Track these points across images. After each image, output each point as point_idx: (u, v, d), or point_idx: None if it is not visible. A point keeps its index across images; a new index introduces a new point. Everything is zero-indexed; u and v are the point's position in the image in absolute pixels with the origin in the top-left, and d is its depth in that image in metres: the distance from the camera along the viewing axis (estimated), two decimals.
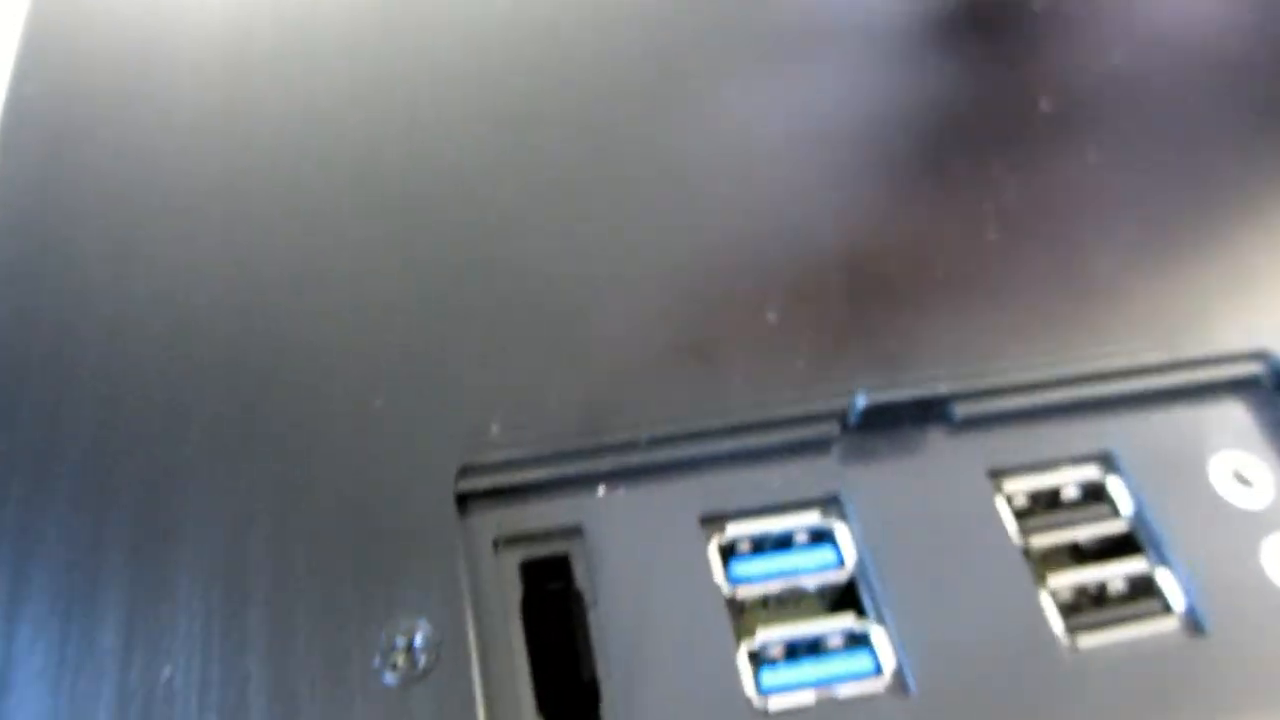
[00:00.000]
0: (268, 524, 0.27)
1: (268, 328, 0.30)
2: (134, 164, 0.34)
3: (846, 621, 0.28)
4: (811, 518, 0.30)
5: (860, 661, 0.28)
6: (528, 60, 0.39)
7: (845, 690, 0.27)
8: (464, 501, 0.28)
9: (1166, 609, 0.29)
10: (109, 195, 0.33)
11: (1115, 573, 0.30)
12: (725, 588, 0.28)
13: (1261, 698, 0.27)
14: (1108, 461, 0.32)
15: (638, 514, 0.29)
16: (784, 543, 0.30)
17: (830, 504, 0.30)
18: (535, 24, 0.40)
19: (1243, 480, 0.32)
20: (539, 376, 0.30)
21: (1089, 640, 0.28)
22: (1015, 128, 0.37)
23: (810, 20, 0.41)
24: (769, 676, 0.27)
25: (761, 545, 0.30)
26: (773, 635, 0.28)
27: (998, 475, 0.31)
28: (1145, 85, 0.39)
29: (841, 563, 0.29)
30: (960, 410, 0.31)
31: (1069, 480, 0.31)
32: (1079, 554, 0.32)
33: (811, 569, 0.29)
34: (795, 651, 0.28)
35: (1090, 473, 0.31)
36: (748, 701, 0.26)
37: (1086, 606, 0.30)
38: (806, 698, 0.27)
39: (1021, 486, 0.31)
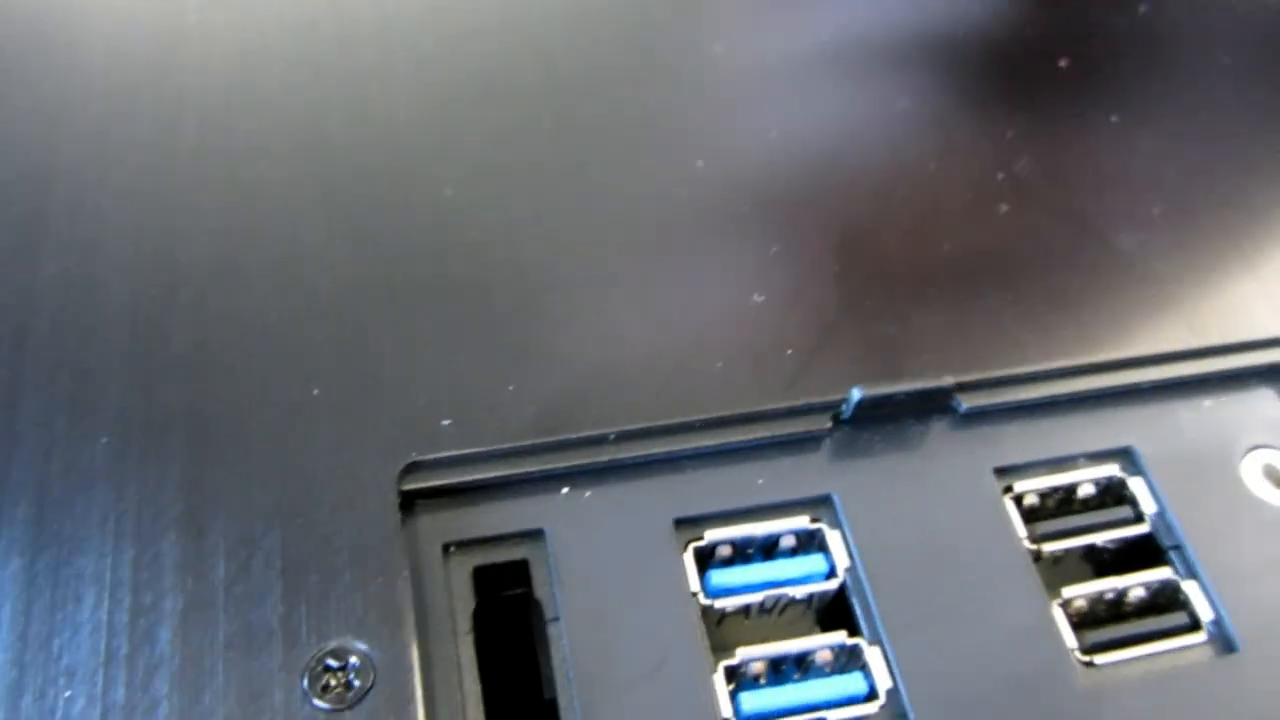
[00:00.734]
0: (181, 529, 0.24)
1: (188, 306, 0.27)
2: (47, 130, 0.31)
3: (837, 638, 0.25)
4: (799, 521, 0.27)
5: (852, 683, 0.25)
6: (486, 34, 0.36)
7: (835, 716, 0.24)
8: (410, 502, 0.26)
9: (1193, 624, 0.26)
10: (20, 172, 0.30)
11: (1135, 582, 0.27)
12: (702, 599, 0.25)
13: None
14: (1127, 458, 0.29)
15: (605, 517, 0.26)
16: (768, 549, 0.27)
17: (820, 506, 0.27)
18: None
19: (1277, 478, 0.29)
20: (497, 366, 0.27)
21: (1106, 659, 0.26)
22: (1030, 89, 0.34)
23: None
24: (749, 699, 0.24)
25: (743, 552, 0.27)
26: (754, 653, 0.25)
27: (1006, 474, 0.28)
28: (1173, 47, 0.36)
29: (832, 572, 0.26)
30: (965, 402, 0.28)
31: (1084, 479, 0.28)
32: (1094, 561, 0.29)
33: (798, 579, 0.26)
34: (779, 671, 0.26)
35: (1108, 471, 0.28)
36: None
37: (1103, 620, 0.27)
38: None
39: (1032, 486, 0.28)
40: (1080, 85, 0.34)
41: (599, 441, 0.27)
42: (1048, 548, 0.27)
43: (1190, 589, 0.27)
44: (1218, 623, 0.26)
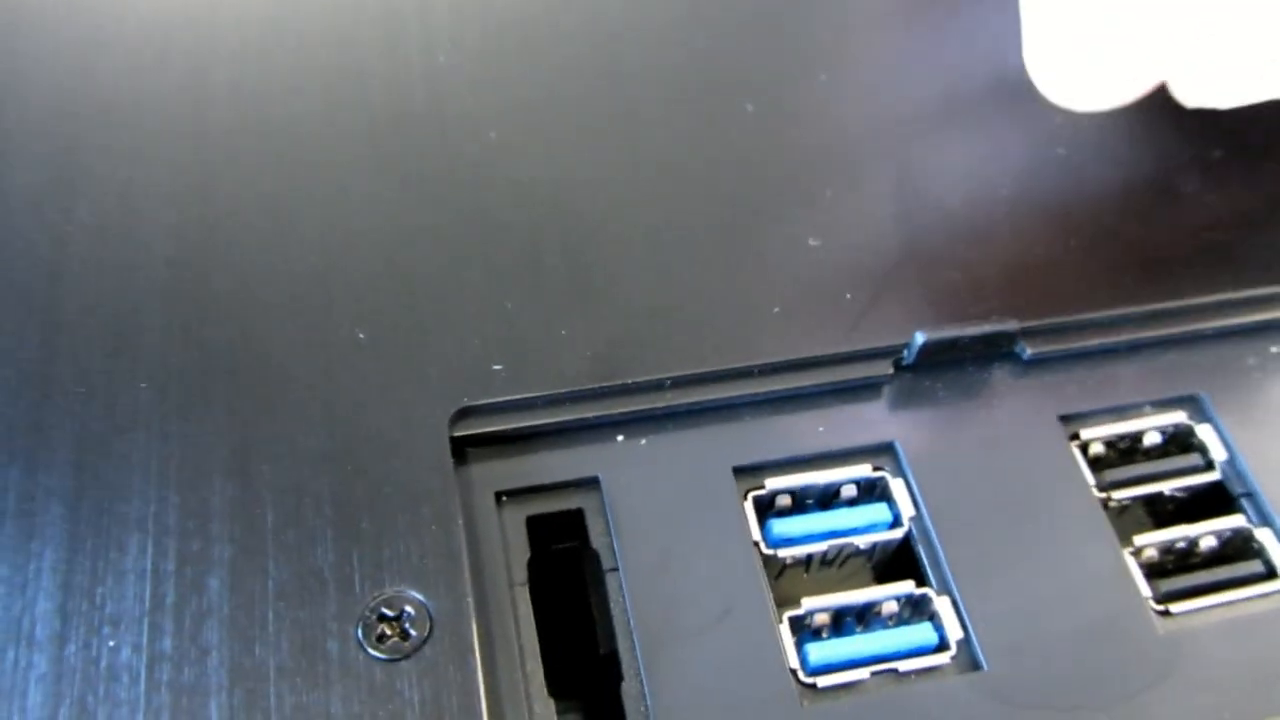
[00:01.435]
0: (231, 476, 0.23)
1: (229, 247, 0.26)
2: (81, 68, 0.30)
3: (905, 588, 0.24)
4: (861, 469, 0.26)
5: (922, 633, 0.24)
6: None
7: (905, 666, 0.23)
8: (462, 449, 0.25)
9: (1269, 572, 0.26)
10: (52, 110, 0.29)
11: (1207, 531, 0.26)
12: (763, 548, 0.25)
13: None
14: (1194, 405, 0.28)
15: (661, 464, 0.25)
16: (830, 498, 0.26)
17: (882, 454, 0.26)
18: None
19: None
20: (549, 310, 0.26)
21: (1181, 608, 0.25)
22: None
23: None
24: (816, 650, 0.23)
25: (804, 501, 0.26)
26: (819, 603, 0.24)
27: (1071, 421, 0.27)
28: None
29: (897, 521, 0.26)
30: (1029, 348, 0.27)
31: (1150, 426, 0.27)
32: (1157, 511, 0.28)
33: (862, 528, 0.25)
34: (842, 624, 0.25)
35: (1175, 418, 0.27)
36: (793, 678, 0.23)
37: (1172, 570, 0.26)
38: (860, 674, 0.23)
39: (1097, 434, 0.27)
40: None
41: (655, 387, 0.26)
42: (1116, 495, 0.26)
43: (1264, 536, 0.26)
44: None
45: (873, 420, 0.26)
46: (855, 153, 0.30)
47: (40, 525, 0.22)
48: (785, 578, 0.26)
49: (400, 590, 0.22)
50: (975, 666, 0.23)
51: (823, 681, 0.23)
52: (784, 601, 0.24)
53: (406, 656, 0.21)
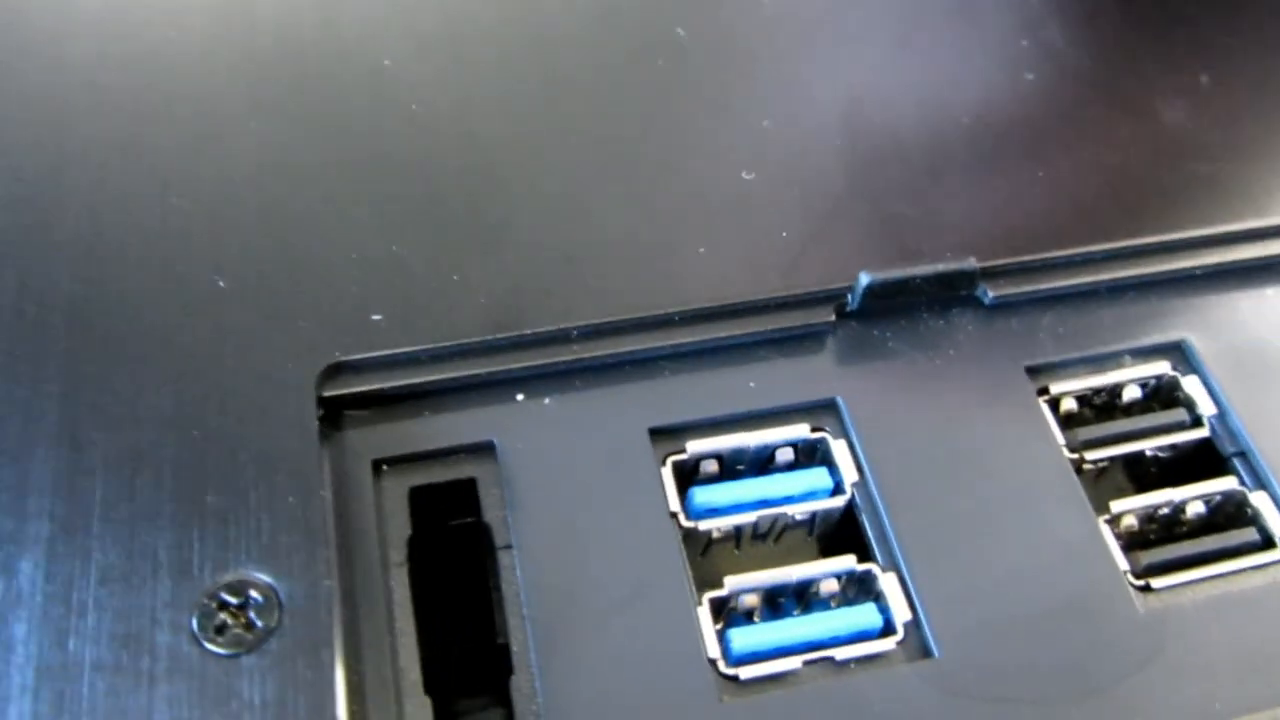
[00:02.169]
0: (57, 443, 0.20)
1: (78, 186, 0.23)
2: None
3: (844, 563, 0.21)
4: (798, 430, 0.23)
5: (863, 616, 0.21)
6: None
7: (844, 654, 0.20)
8: (336, 412, 0.21)
9: (1265, 541, 0.22)
10: None
11: (1193, 495, 0.23)
12: (683, 520, 0.21)
13: None
14: (1180, 355, 0.25)
15: (567, 428, 0.22)
16: (761, 465, 0.23)
17: (823, 412, 0.23)
18: None
19: None
20: (442, 253, 0.23)
21: (1164, 582, 0.22)
22: None
23: None
24: (740, 637, 0.20)
25: (732, 468, 0.23)
26: (745, 582, 0.21)
27: (1040, 373, 0.24)
28: None
29: (838, 488, 0.22)
30: (991, 291, 0.24)
31: (1130, 379, 0.24)
32: (1140, 476, 0.25)
33: (798, 496, 0.22)
34: (777, 607, 0.22)
35: (1158, 369, 0.24)
36: (712, 669, 0.20)
37: (1156, 541, 0.23)
38: (791, 664, 0.20)
39: (1070, 387, 0.24)
40: None
41: (560, 339, 0.22)
42: (1090, 456, 0.23)
43: (1260, 501, 0.23)
44: None
45: (812, 374, 0.23)
46: (798, 78, 0.27)
47: None
48: (712, 555, 0.23)
49: (247, 574, 0.19)
50: (925, 653, 0.20)
51: (747, 673, 0.20)
52: (708, 583, 0.21)
53: (249, 650, 0.18)
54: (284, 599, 0.19)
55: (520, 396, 0.22)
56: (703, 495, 0.22)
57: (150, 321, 0.22)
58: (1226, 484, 0.23)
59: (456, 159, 0.25)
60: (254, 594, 0.19)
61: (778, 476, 0.22)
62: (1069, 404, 0.24)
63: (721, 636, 0.20)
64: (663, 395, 0.23)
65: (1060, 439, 0.23)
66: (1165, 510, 0.23)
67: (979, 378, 0.24)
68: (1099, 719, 0.19)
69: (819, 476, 0.22)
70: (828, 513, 0.22)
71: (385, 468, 0.22)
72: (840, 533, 0.23)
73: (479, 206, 0.24)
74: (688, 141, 0.26)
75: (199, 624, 0.18)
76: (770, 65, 0.27)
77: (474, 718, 0.20)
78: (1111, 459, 0.24)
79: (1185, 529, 0.23)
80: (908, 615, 0.21)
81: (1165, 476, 0.24)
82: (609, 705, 0.19)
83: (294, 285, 0.22)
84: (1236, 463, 0.23)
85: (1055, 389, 0.24)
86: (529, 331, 0.22)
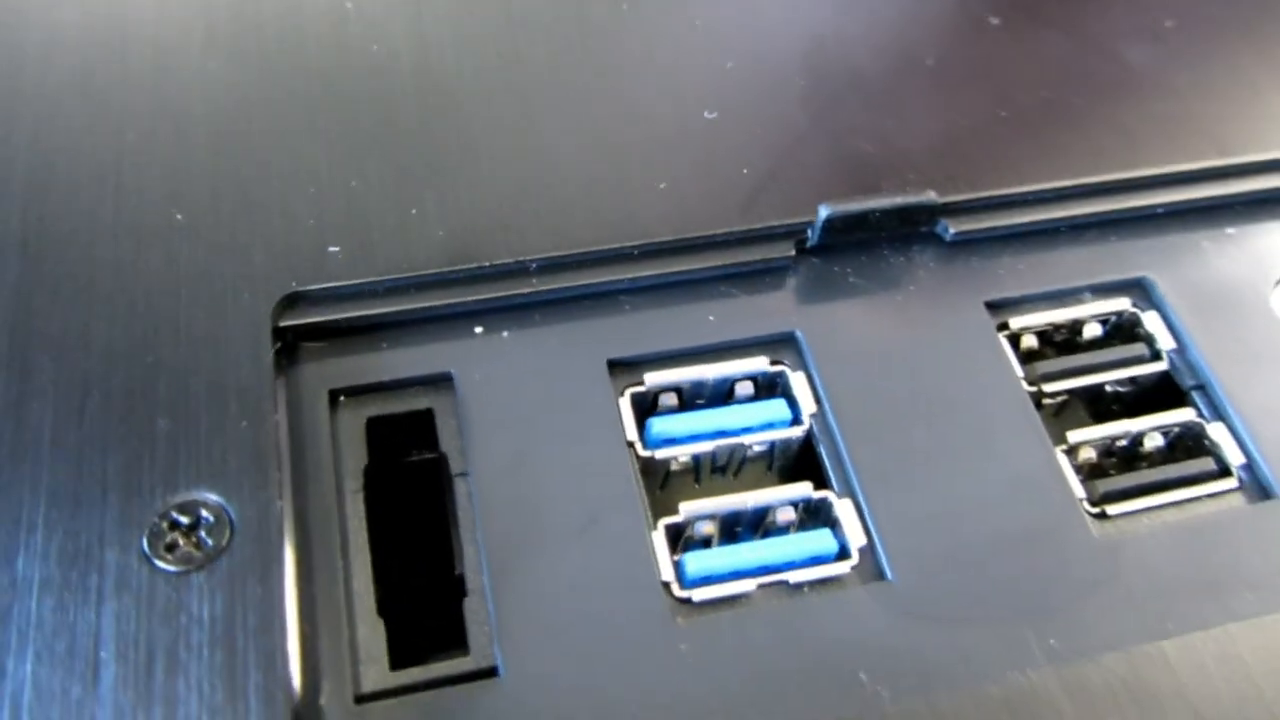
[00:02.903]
0: (6, 368, 0.20)
1: (33, 119, 0.23)
2: None
3: (800, 490, 0.21)
4: (757, 363, 0.23)
5: (818, 541, 0.21)
6: None
7: (798, 577, 0.20)
8: (292, 343, 0.21)
9: (1221, 470, 0.23)
10: None
11: (1152, 426, 0.23)
12: (640, 450, 0.21)
13: None
14: (1140, 291, 0.25)
15: (525, 360, 0.22)
16: (722, 398, 0.23)
17: (782, 346, 0.23)
18: None
19: None
20: (401, 185, 0.23)
21: (1120, 509, 0.22)
22: None
23: None
24: (694, 561, 0.20)
25: (694, 401, 0.23)
26: (700, 508, 0.21)
27: (1000, 309, 0.24)
28: None
29: (796, 419, 0.22)
30: (952, 227, 0.24)
31: (1090, 315, 0.24)
32: (1101, 411, 0.25)
33: (755, 426, 0.22)
34: (735, 535, 0.22)
35: (1118, 305, 0.24)
36: (665, 592, 0.20)
37: (1116, 470, 0.23)
38: (745, 586, 0.20)
39: (1030, 322, 0.24)
40: None
41: (519, 273, 0.22)
42: (1049, 388, 0.23)
43: (1217, 431, 0.23)
44: (1250, 467, 0.22)
45: (772, 309, 0.23)
46: (761, 19, 0.27)
47: None
48: (671, 489, 0.23)
49: (198, 495, 0.19)
50: (879, 576, 0.20)
51: (700, 595, 0.20)
52: (666, 514, 0.21)
53: (199, 568, 0.18)
54: (235, 519, 0.19)
55: (478, 329, 0.22)
56: (660, 425, 0.22)
57: (105, 255, 0.21)
58: (1184, 415, 0.23)
59: (415, 97, 0.25)
60: (205, 514, 0.19)
61: (736, 407, 0.22)
62: (1030, 340, 0.24)
63: (676, 561, 0.20)
64: (621, 329, 0.23)
65: (1019, 372, 0.23)
66: (1124, 442, 0.23)
67: (938, 313, 0.24)
68: (1051, 639, 0.19)
69: (777, 408, 0.22)
70: (786, 444, 0.22)
71: (342, 399, 0.21)
72: (799, 467, 0.23)
73: (437, 143, 0.24)
74: (650, 81, 0.26)
75: (149, 543, 0.18)
76: (733, 6, 0.27)
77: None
78: (1071, 392, 0.24)
79: (1145, 463, 0.23)
80: (863, 540, 0.21)
81: (1126, 412, 0.24)
82: (560, 627, 0.19)
83: (251, 219, 0.22)
84: (1195, 396, 0.23)
85: (1015, 324, 0.24)
86: (487, 264, 0.22)
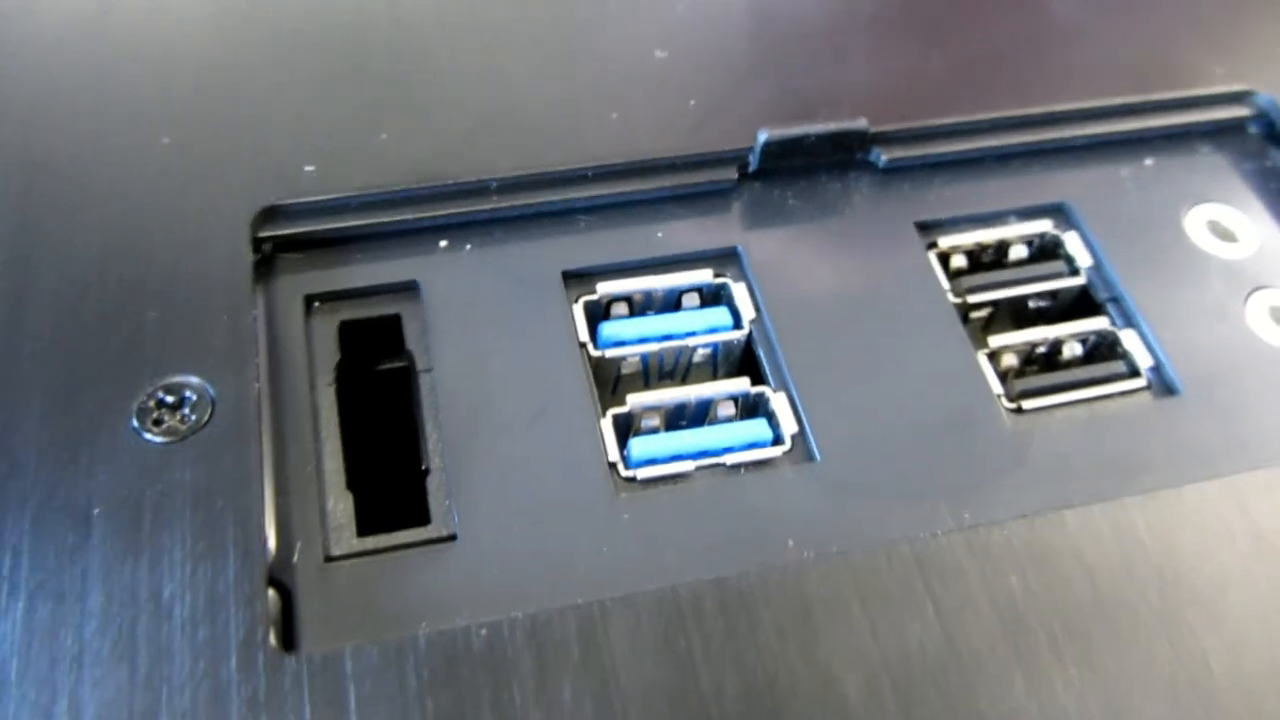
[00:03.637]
0: (8, 267, 0.22)
1: (35, 48, 0.25)
2: None
3: (738, 385, 0.23)
4: (702, 275, 0.25)
5: (754, 429, 0.23)
6: None
7: (735, 459, 0.22)
8: (270, 254, 0.23)
9: (1132, 371, 0.24)
10: None
11: (1068, 333, 0.25)
12: (592, 350, 0.23)
13: (1245, 455, 0.22)
14: (1061, 215, 0.26)
15: (486, 270, 0.24)
16: (669, 305, 0.25)
17: (725, 261, 0.25)
18: None
19: (1223, 233, 0.27)
20: (372, 112, 0.25)
21: (1035, 404, 0.23)
22: None
23: None
24: (640, 445, 0.22)
25: (643, 312, 0.25)
26: (646, 400, 0.23)
27: (929, 229, 0.26)
28: None
29: (738, 324, 0.24)
30: (884, 155, 0.26)
31: (1015, 236, 0.26)
32: (1028, 323, 0.27)
33: (699, 330, 0.24)
34: (679, 427, 0.23)
35: (1041, 227, 0.26)
36: (611, 472, 0.21)
37: (1038, 372, 0.25)
38: (685, 467, 0.22)
39: (958, 242, 0.26)
40: None
41: (481, 191, 0.24)
42: (974, 299, 0.25)
43: (1128, 337, 0.25)
44: (1157, 368, 0.24)
45: (716, 227, 0.25)
46: None
47: None
48: (621, 391, 0.24)
49: (183, 378, 0.21)
50: (809, 459, 0.22)
51: (644, 474, 0.22)
52: (615, 403, 0.23)
53: (182, 439, 0.20)
54: (216, 399, 0.20)
55: (443, 243, 0.24)
56: (610, 329, 0.24)
57: (100, 172, 0.23)
58: (1099, 324, 0.25)
59: (387, 34, 0.27)
60: (188, 393, 0.20)
61: (682, 313, 0.24)
62: (960, 260, 0.26)
63: (622, 445, 0.22)
64: (576, 244, 0.24)
65: (945, 285, 0.25)
66: (1043, 349, 0.25)
67: (871, 232, 0.25)
68: (965, 512, 0.21)
69: (720, 315, 0.24)
70: (728, 347, 0.24)
71: (317, 304, 0.23)
72: (741, 372, 0.25)
73: (407, 75, 0.26)
74: (606, 22, 0.27)
75: (137, 418, 0.20)
76: None
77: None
78: (995, 305, 0.26)
79: (1064, 370, 0.25)
80: (795, 429, 0.22)
81: (1051, 321, 0.26)
82: (513, 500, 0.21)
83: (233, 142, 0.24)
84: (1110, 307, 0.25)
85: (944, 243, 0.26)
86: (451, 183, 0.24)
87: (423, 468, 0.21)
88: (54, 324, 0.21)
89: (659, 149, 0.25)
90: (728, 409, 0.23)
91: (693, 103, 0.26)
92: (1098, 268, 0.26)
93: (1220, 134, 0.28)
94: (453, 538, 0.20)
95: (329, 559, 0.20)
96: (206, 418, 0.20)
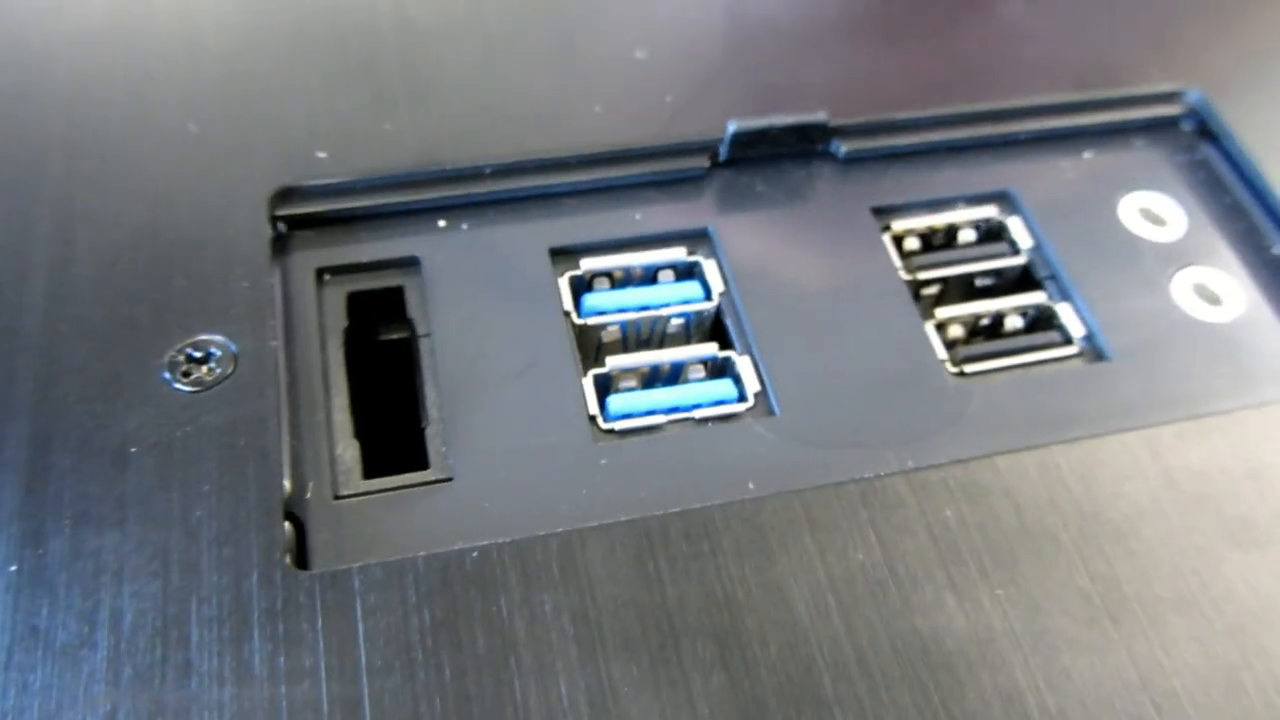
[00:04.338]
0: (51, 241, 0.24)
1: (74, 44, 0.28)
2: None
3: (708, 350, 0.25)
4: (676, 253, 0.27)
5: (722, 388, 0.25)
6: None
7: (702, 414, 0.24)
8: (287, 229, 0.26)
9: (1066, 340, 0.27)
10: None
11: (1009, 306, 0.27)
12: (575, 318, 0.26)
13: (1164, 412, 0.24)
14: (1006, 201, 0.29)
15: (480, 246, 0.26)
16: (646, 280, 0.27)
17: (698, 240, 0.27)
18: None
19: (1154, 218, 0.29)
20: (380, 105, 0.27)
21: (976, 368, 0.26)
22: None
23: None
24: (617, 401, 0.24)
25: (622, 283, 0.27)
26: (623, 362, 0.25)
27: (884, 213, 0.28)
28: None
29: (708, 297, 0.27)
30: (844, 146, 0.29)
31: (963, 220, 0.29)
32: (975, 299, 0.29)
33: (674, 301, 0.26)
34: (654, 385, 0.26)
35: (987, 212, 0.29)
36: (591, 424, 0.24)
37: (981, 342, 0.27)
38: (658, 420, 0.24)
39: (911, 225, 0.28)
40: None
41: (476, 175, 0.27)
42: (924, 276, 0.27)
43: (1064, 310, 0.27)
44: (1090, 338, 0.26)
45: (689, 210, 0.27)
46: None
47: None
48: (604, 354, 0.27)
49: (209, 336, 0.23)
50: (770, 414, 0.24)
51: (620, 426, 0.24)
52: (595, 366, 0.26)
53: (208, 389, 0.22)
54: (238, 354, 0.23)
55: (442, 222, 0.27)
56: (593, 299, 0.26)
57: (132, 156, 0.26)
58: (1037, 297, 0.27)
59: (390, 31, 0.29)
60: (214, 350, 0.23)
61: (658, 286, 0.27)
62: (912, 243, 0.29)
63: (602, 402, 0.24)
64: (562, 224, 0.27)
65: (898, 264, 0.27)
66: (987, 321, 0.27)
67: (831, 215, 0.28)
68: (909, 460, 0.23)
69: (693, 288, 0.27)
70: (700, 317, 0.26)
71: (327, 276, 0.26)
72: (710, 339, 0.27)
73: (411, 71, 0.28)
74: (592, 24, 0.30)
75: (169, 370, 0.22)
76: None
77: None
78: (945, 282, 0.28)
79: (1007, 333, 0.28)
80: (757, 387, 0.25)
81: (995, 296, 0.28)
82: (503, 447, 0.23)
83: (253, 130, 0.27)
84: (1048, 284, 0.28)
85: (897, 226, 0.28)
86: (450, 167, 0.27)
87: (422, 424, 0.24)
88: (93, 288, 0.23)
89: (638, 139, 0.28)
90: (698, 371, 0.26)
91: (669, 98, 0.28)
92: (1038, 249, 0.28)
93: (1154, 129, 0.30)
94: (449, 480, 0.23)
95: (338, 497, 0.22)
96: (230, 371, 0.22)
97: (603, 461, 0.23)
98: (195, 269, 0.24)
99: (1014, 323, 0.28)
